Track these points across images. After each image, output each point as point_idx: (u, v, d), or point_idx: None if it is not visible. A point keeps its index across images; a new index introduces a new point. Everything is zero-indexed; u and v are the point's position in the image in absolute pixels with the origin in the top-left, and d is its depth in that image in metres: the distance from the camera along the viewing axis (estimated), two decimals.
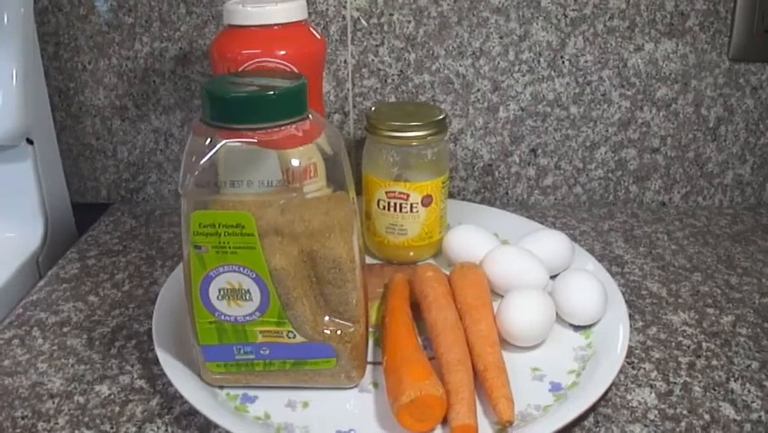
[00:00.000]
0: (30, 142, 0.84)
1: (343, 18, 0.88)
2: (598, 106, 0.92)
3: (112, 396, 0.61)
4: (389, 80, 0.91)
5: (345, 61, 0.90)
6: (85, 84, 0.93)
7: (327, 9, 0.87)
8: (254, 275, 0.54)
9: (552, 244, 0.76)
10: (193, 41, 0.90)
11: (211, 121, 0.52)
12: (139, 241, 0.88)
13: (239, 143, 0.52)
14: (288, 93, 0.53)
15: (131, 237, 0.89)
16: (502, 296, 0.68)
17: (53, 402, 0.60)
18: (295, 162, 0.53)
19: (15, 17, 0.80)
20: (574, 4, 0.87)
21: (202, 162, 0.52)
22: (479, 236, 0.76)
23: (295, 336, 0.56)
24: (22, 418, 0.59)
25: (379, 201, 0.76)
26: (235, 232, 0.52)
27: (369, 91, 0.91)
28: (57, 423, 0.58)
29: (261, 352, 0.57)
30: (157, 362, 0.62)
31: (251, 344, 0.57)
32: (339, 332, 0.57)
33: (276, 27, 0.67)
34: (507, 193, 0.97)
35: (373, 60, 0.90)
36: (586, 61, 0.89)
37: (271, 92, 0.52)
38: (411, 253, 0.79)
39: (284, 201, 0.54)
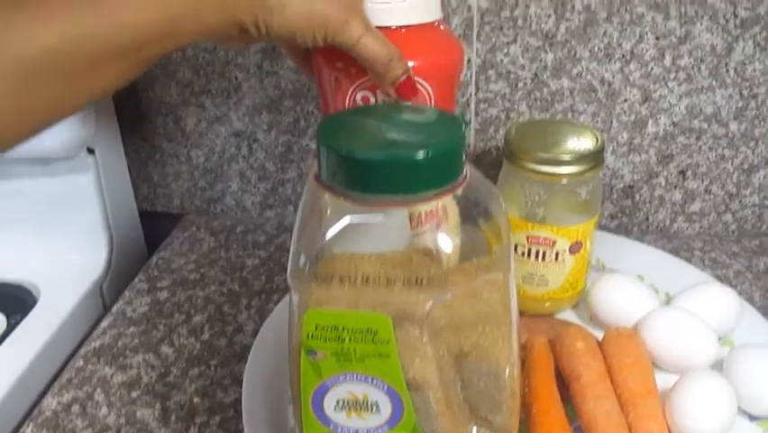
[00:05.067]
0: (90, 151, 0.72)
1: (469, 9, 0.73)
2: (762, 123, 0.77)
3: None
4: (521, 84, 0.76)
5: (469, 60, 0.75)
6: (155, 78, 0.81)
7: None
8: (386, 387, 0.41)
9: (719, 304, 0.63)
10: None
11: (333, 184, 0.39)
12: (218, 268, 0.76)
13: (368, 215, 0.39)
14: (446, 151, 0.38)
15: (209, 262, 0.77)
16: (658, 367, 0.58)
17: None
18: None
19: None
20: (747, 1, 0.71)
21: (327, 239, 0.38)
22: (634, 291, 0.64)
23: None
24: None
25: (516, 246, 0.62)
26: (366, 339, 0.39)
27: (495, 97, 0.76)
28: None
29: None
30: None
31: None
32: None
33: (402, 30, 0.51)
34: (647, 219, 0.82)
35: (503, 61, 0.75)
36: (754, 70, 0.74)
37: (421, 151, 0.37)
38: (547, 304, 0.66)
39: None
